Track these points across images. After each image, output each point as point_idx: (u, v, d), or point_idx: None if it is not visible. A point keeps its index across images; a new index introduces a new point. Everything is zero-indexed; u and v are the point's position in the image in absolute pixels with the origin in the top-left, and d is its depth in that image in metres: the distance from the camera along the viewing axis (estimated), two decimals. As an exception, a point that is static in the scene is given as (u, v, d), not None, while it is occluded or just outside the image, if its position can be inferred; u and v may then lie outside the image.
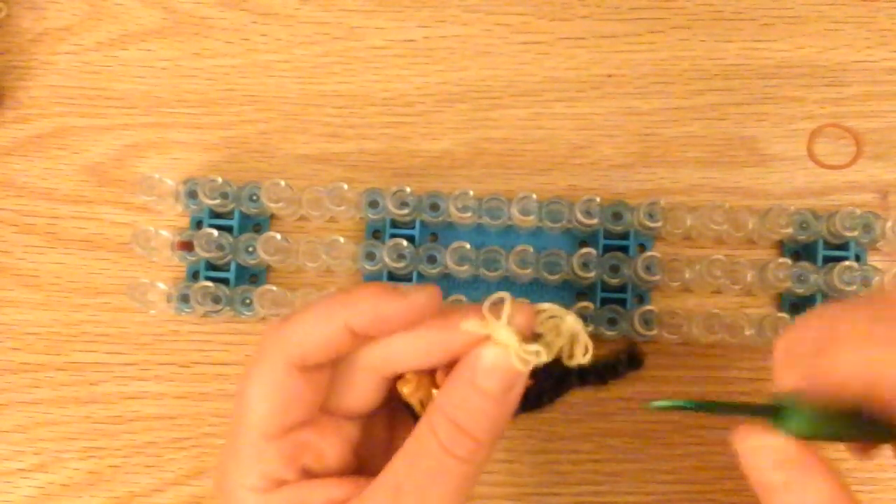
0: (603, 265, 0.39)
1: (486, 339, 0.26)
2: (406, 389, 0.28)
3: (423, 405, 0.28)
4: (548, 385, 0.28)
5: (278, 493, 0.27)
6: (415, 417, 0.28)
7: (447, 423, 0.26)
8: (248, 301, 0.40)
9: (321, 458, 0.28)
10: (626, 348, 0.30)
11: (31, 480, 0.41)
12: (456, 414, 0.26)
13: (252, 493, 0.27)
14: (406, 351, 0.27)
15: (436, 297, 0.27)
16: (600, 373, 0.29)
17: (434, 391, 0.27)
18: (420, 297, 0.27)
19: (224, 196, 0.41)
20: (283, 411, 0.28)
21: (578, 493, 0.40)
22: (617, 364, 0.30)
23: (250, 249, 0.40)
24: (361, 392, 0.29)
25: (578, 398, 0.40)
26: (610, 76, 0.43)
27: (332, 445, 0.29)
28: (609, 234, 0.40)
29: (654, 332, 0.39)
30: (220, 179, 0.41)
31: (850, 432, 0.26)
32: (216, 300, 0.40)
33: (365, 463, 0.29)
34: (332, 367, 0.29)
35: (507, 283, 0.41)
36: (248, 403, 0.28)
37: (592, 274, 0.39)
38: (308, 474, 0.28)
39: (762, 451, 0.25)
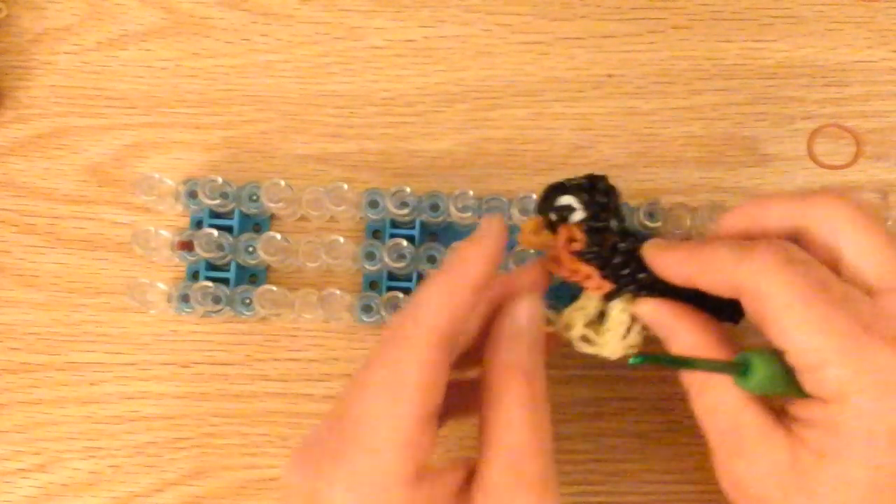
0: (603, 265, 0.39)
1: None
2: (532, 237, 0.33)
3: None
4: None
5: (426, 482, 0.27)
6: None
7: (516, 373, 0.28)
8: (248, 301, 0.40)
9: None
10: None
11: (31, 480, 0.41)
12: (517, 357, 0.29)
13: (404, 487, 0.26)
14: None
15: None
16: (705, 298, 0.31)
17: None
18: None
19: (224, 196, 0.41)
20: (438, 392, 0.27)
21: (578, 493, 0.40)
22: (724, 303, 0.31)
23: (250, 249, 0.40)
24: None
25: (578, 398, 0.40)
26: (610, 76, 0.43)
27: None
28: (609, 234, 0.40)
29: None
30: (220, 179, 0.41)
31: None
32: (216, 300, 0.40)
33: None
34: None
35: (507, 283, 0.41)
36: (401, 385, 0.26)
37: (592, 274, 0.39)
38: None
39: (719, 411, 0.29)
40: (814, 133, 0.42)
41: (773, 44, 0.43)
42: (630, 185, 0.42)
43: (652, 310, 0.31)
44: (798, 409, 0.28)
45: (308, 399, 0.41)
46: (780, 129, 0.42)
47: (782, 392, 0.28)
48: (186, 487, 0.41)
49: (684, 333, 0.30)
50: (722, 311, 0.32)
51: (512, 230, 0.41)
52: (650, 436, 0.40)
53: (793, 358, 0.27)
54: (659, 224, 0.39)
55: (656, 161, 0.42)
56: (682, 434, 0.40)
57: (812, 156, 0.42)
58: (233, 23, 0.45)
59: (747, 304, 0.28)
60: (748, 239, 0.29)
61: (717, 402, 0.29)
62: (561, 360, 0.41)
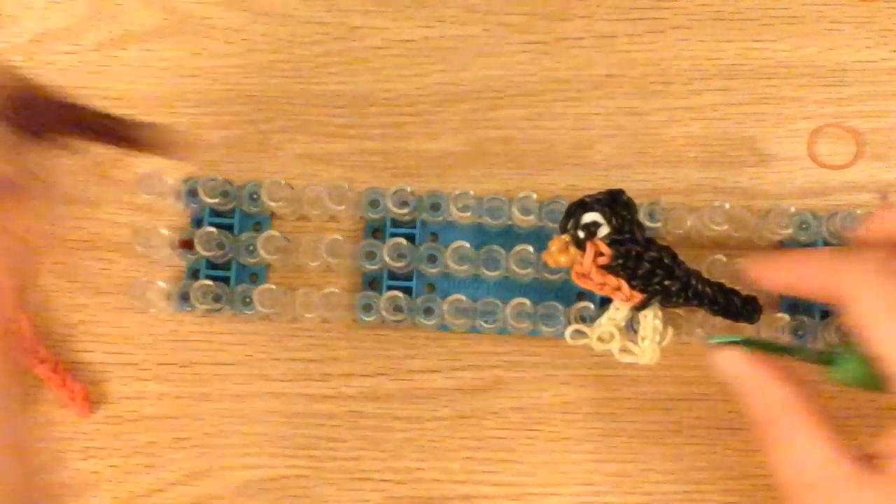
0: (603, 265, 0.39)
1: None
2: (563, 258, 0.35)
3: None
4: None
5: None
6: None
7: None
8: (248, 300, 0.40)
9: None
10: (751, 297, 0.35)
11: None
12: None
13: None
14: None
15: None
16: (714, 294, 0.35)
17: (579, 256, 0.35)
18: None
19: (224, 195, 0.41)
20: None
21: (578, 493, 0.40)
22: (733, 297, 0.35)
23: (251, 248, 0.40)
24: None
25: (579, 398, 0.40)
26: (610, 76, 0.43)
27: None
28: (609, 234, 0.40)
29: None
30: (220, 178, 0.41)
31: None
32: (216, 299, 0.40)
33: None
34: None
35: (508, 283, 0.41)
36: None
37: (593, 273, 0.39)
38: None
39: (807, 466, 0.29)
40: (814, 133, 0.42)
41: (773, 44, 0.43)
42: (630, 185, 0.42)
43: (736, 364, 0.31)
44: (886, 443, 0.28)
45: (308, 399, 0.41)
46: (780, 129, 0.42)
47: (873, 389, 0.29)
48: (186, 487, 0.41)
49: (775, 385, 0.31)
50: (740, 313, 0.35)
51: (511, 232, 0.41)
52: (650, 436, 0.40)
53: (886, 367, 0.28)
54: (659, 224, 0.39)
55: (656, 161, 0.42)
56: (682, 434, 0.40)
57: (812, 156, 0.42)
58: (233, 23, 0.45)
59: (844, 310, 0.29)
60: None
61: (805, 457, 0.29)
62: (562, 360, 0.41)
